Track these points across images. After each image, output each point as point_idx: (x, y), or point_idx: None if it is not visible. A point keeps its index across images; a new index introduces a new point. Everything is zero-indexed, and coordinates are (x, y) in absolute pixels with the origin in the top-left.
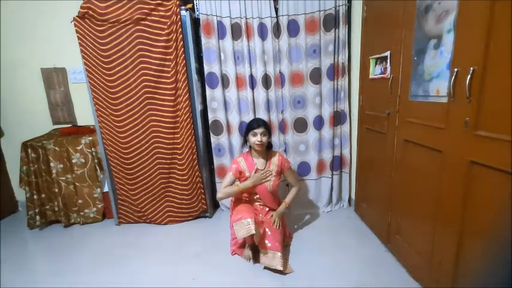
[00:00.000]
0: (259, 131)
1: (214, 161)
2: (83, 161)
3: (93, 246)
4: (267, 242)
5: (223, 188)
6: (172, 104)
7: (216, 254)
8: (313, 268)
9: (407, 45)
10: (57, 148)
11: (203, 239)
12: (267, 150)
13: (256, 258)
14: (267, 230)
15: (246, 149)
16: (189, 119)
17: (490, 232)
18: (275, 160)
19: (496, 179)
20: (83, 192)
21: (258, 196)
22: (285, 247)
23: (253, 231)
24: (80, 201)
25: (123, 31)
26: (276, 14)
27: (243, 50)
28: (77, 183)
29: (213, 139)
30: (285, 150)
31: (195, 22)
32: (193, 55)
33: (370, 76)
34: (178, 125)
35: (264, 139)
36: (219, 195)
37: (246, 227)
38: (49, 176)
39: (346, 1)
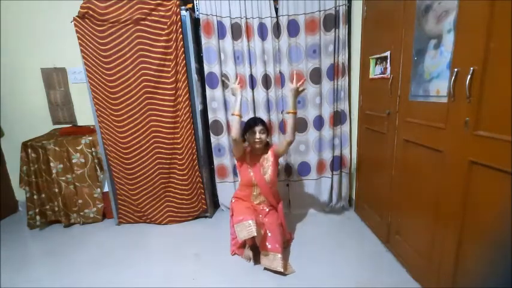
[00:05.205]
0: (258, 128)
1: (214, 161)
2: (83, 161)
3: (93, 246)
4: (267, 243)
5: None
6: (172, 104)
7: (216, 254)
8: (313, 268)
9: (408, 45)
10: (57, 148)
11: (203, 239)
12: (265, 147)
13: (256, 259)
14: (267, 231)
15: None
16: (189, 119)
17: (490, 232)
18: (269, 153)
19: (496, 179)
20: (83, 192)
21: (257, 192)
22: (285, 248)
23: (255, 233)
24: (80, 201)
25: (123, 31)
26: (276, 14)
27: (243, 50)
28: (77, 183)
29: (213, 139)
30: None
31: (195, 22)
32: (193, 55)
33: (370, 76)
34: (178, 125)
35: (263, 136)
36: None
37: (247, 228)
38: (49, 176)
39: (346, 1)
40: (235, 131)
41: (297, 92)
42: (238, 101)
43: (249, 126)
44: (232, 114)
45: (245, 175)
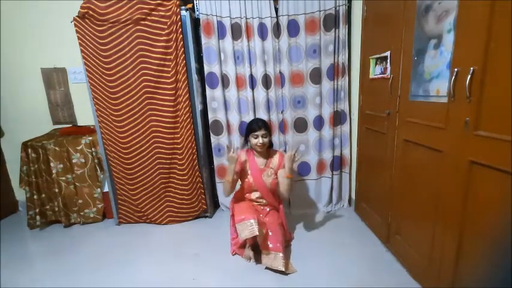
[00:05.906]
0: (260, 132)
1: (215, 161)
2: (83, 161)
3: (93, 246)
4: (269, 243)
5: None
6: (172, 104)
7: (216, 254)
8: (313, 268)
9: (408, 45)
10: (57, 148)
11: (203, 239)
12: (268, 149)
13: (257, 259)
14: (268, 231)
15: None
16: (189, 119)
17: (490, 232)
18: (275, 159)
19: (496, 179)
20: (83, 192)
21: (258, 196)
22: (286, 247)
23: (257, 233)
24: (80, 201)
25: (123, 31)
26: (276, 14)
27: (243, 50)
28: (77, 183)
29: (213, 139)
30: (285, 151)
31: (195, 22)
32: (193, 55)
33: (370, 76)
34: (178, 125)
35: (265, 140)
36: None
37: (249, 228)
38: (49, 176)
39: (346, 1)
40: (227, 193)
41: (293, 160)
42: (232, 169)
43: (251, 130)
44: (225, 181)
45: (245, 181)
